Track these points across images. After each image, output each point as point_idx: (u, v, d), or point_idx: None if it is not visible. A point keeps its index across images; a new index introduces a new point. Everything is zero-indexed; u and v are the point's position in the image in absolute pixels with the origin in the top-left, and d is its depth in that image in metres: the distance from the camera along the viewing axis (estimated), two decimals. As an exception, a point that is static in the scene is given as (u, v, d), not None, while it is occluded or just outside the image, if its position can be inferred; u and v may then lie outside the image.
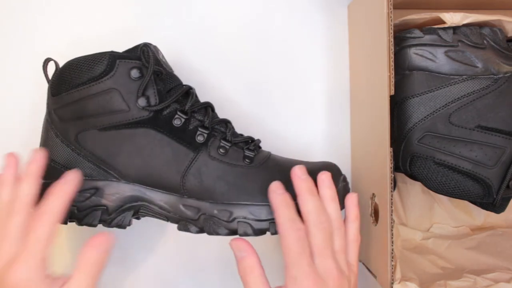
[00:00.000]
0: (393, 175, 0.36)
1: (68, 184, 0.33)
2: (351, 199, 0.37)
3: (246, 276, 0.33)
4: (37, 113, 0.39)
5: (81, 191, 0.35)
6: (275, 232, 0.35)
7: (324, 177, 0.36)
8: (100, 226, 0.35)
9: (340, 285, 0.32)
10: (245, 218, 0.35)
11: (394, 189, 0.41)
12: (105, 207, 0.35)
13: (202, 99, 0.39)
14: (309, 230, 0.33)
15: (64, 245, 0.44)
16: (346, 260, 0.34)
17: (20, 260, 0.29)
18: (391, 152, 0.36)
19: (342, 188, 0.37)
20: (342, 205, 0.37)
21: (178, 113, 0.36)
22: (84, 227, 0.35)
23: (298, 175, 0.35)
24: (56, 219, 0.31)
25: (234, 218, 0.35)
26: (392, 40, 0.35)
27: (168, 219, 0.37)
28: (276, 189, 0.34)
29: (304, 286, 0.31)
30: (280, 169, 0.37)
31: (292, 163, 0.38)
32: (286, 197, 0.34)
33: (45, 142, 0.36)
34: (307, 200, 0.34)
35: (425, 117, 0.38)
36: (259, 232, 0.35)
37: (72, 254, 0.44)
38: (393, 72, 0.35)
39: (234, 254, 0.34)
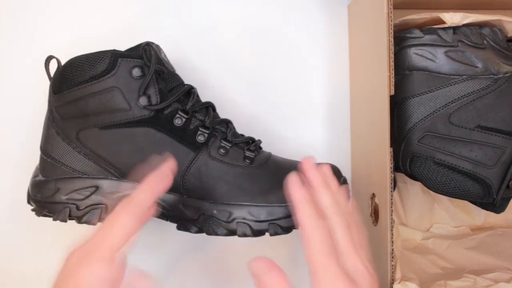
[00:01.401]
0: (393, 175, 0.36)
1: (164, 177, 0.31)
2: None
3: None
4: (38, 111, 0.39)
5: (81, 189, 0.35)
6: (274, 233, 0.35)
7: (326, 170, 0.35)
8: (99, 225, 0.35)
9: (372, 285, 0.29)
10: (244, 218, 0.35)
11: (394, 189, 0.41)
12: (105, 206, 0.35)
13: (203, 99, 0.39)
14: (331, 227, 0.30)
15: (64, 245, 0.44)
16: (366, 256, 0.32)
17: (94, 256, 0.26)
18: (391, 152, 0.36)
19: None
20: None
21: (179, 112, 0.36)
22: (84, 225, 0.35)
23: (309, 167, 0.33)
24: (142, 211, 0.28)
25: (234, 219, 0.35)
26: (392, 40, 0.35)
27: (167, 218, 0.37)
28: (295, 182, 0.32)
29: None
30: (281, 170, 0.37)
31: (293, 164, 0.38)
32: (306, 191, 0.32)
33: (46, 139, 0.36)
34: (324, 194, 0.32)
35: (425, 117, 0.38)
36: (258, 233, 0.35)
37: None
38: (393, 72, 0.35)
39: (256, 277, 0.30)
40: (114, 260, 0.26)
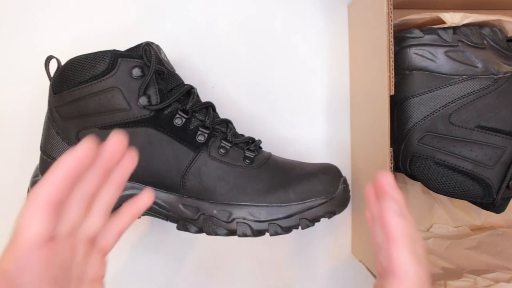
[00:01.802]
0: (393, 175, 0.36)
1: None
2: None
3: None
4: (38, 111, 0.39)
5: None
6: (274, 233, 0.35)
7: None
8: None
9: None
10: (244, 218, 0.35)
11: (394, 189, 0.41)
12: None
13: (204, 99, 0.39)
14: None
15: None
16: None
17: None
18: (391, 152, 0.36)
19: (342, 190, 0.37)
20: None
21: (179, 112, 0.35)
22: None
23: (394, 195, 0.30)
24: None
25: (234, 219, 0.35)
26: (392, 40, 0.35)
27: (167, 218, 0.37)
28: (395, 212, 0.29)
29: None
30: (281, 170, 0.37)
31: (293, 164, 0.38)
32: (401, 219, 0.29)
33: (46, 139, 0.36)
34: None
35: (425, 117, 0.38)
36: (258, 233, 0.35)
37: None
38: (393, 72, 0.35)
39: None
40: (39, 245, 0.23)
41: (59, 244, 0.24)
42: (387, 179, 0.31)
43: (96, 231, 0.27)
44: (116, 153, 0.26)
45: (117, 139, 0.26)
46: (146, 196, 0.29)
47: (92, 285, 0.27)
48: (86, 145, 0.24)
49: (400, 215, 0.29)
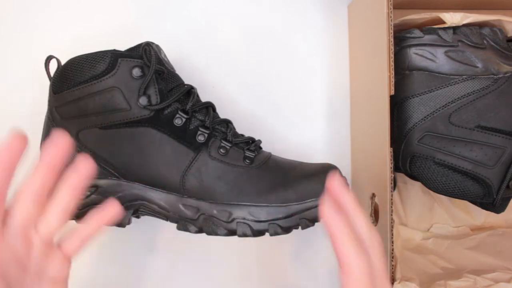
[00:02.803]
0: (393, 175, 0.36)
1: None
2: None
3: None
4: (38, 111, 0.39)
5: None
6: (274, 233, 0.35)
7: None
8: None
9: None
10: (244, 219, 0.35)
11: (394, 189, 0.41)
12: (105, 206, 0.35)
13: (204, 99, 0.39)
14: (369, 253, 0.29)
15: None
16: None
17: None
18: (391, 152, 0.36)
19: None
20: None
21: (179, 112, 0.36)
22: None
23: (341, 189, 0.30)
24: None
25: (234, 219, 0.35)
26: (392, 40, 0.35)
27: (167, 218, 0.37)
28: (329, 210, 0.29)
29: None
30: (281, 170, 0.37)
31: (293, 164, 0.38)
32: (341, 216, 0.29)
33: (46, 139, 0.36)
34: (361, 219, 0.30)
35: (425, 117, 0.38)
36: (258, 233, 0.35)
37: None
38: (393, 72, 0.35)
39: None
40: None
41: (8, 238, 0.26)
42: (335, 179, 0.31)
43: (53, 231, 0.28)
44: (58, 152, 0.27)
45: (59, 138, 0.27)
46: (112, 208, 0.30)
47: (54, 285, 0.28)
48: (16, 137, 0.26)
49: (336, 212, 0.29)
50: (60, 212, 0.28)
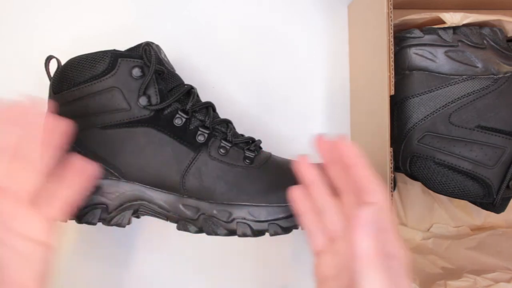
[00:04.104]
0: (393, 175, 0.36)
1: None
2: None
3: None
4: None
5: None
6: (274, 233, 0.35)
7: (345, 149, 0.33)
8: (99, 224, 0.35)
9: None
10: (244, 219, 0.35)
11: (394, 189, 0.41)
12: (105, 206, 0.35)
13: (204, 99, 0.39)
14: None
15: (64, 244, 0.44)
16: None
17: None
18: (391, 152, 0.36)
19: None
20: None
21: (179, 112, 0.36)
22: (84, 225, 0.35)
23: (306, 167, 0.33)
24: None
25: (233, 219, 0.35)
26: (392, 40, 0.35)
27: (167, 218, 0.37)
28: (297, 195, 0.33)
29: None
30: (281, 170, 0.37)
31: (293, 164, 0.38)
32: (307, 199, 0.33)
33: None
34: (320, 193, 0.33)
35: (425, 117, 0.38)
36: (258, 233, 0.35)
37: (72, 253, 0.44)
38: (393, 72, 0.35)
39: None
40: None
41: None
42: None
43: (27, 188, 0.29)
44: (24, 108, 0.29)
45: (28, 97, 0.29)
46: (85, 166, 0.32)
47: (27, 242, 0.28)
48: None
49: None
50: (33, 169, 0.29)
